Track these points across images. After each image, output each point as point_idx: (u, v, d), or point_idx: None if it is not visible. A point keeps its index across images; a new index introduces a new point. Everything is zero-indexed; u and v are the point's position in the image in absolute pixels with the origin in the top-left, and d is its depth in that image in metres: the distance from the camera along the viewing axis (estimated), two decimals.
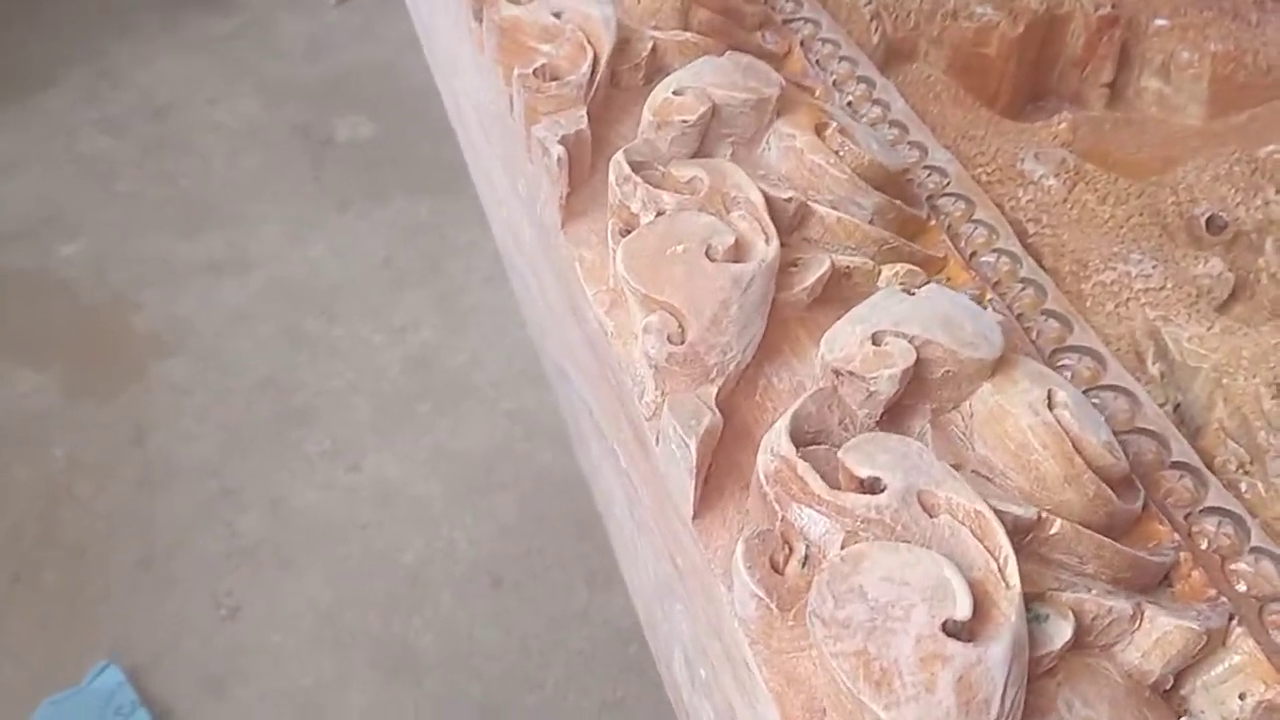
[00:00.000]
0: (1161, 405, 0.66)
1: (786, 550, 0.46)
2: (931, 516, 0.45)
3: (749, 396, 0.55)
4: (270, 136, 2.10)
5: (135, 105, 2.17)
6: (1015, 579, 0.44)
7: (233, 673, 1.36)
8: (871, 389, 0.51)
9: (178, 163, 2.07)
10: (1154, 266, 0.70)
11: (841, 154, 0.65)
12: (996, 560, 0.44)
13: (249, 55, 2.27)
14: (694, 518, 0.50)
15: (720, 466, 0.52)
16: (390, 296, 1.79)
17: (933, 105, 0.86)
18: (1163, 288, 0.69)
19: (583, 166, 0.64)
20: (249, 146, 2.09)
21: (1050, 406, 0.53)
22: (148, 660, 1.38)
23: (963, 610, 0.41)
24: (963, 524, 0.45)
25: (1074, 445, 0.51)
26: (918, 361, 0.52)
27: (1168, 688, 0.50)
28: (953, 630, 0.41)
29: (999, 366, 0.54)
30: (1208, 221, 0.75)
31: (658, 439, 0.54)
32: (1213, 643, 0.52)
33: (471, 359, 1.63)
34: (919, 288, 0.56)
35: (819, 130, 0.65)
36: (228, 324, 1.78)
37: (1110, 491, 0.51)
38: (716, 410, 0.51)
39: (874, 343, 0.51)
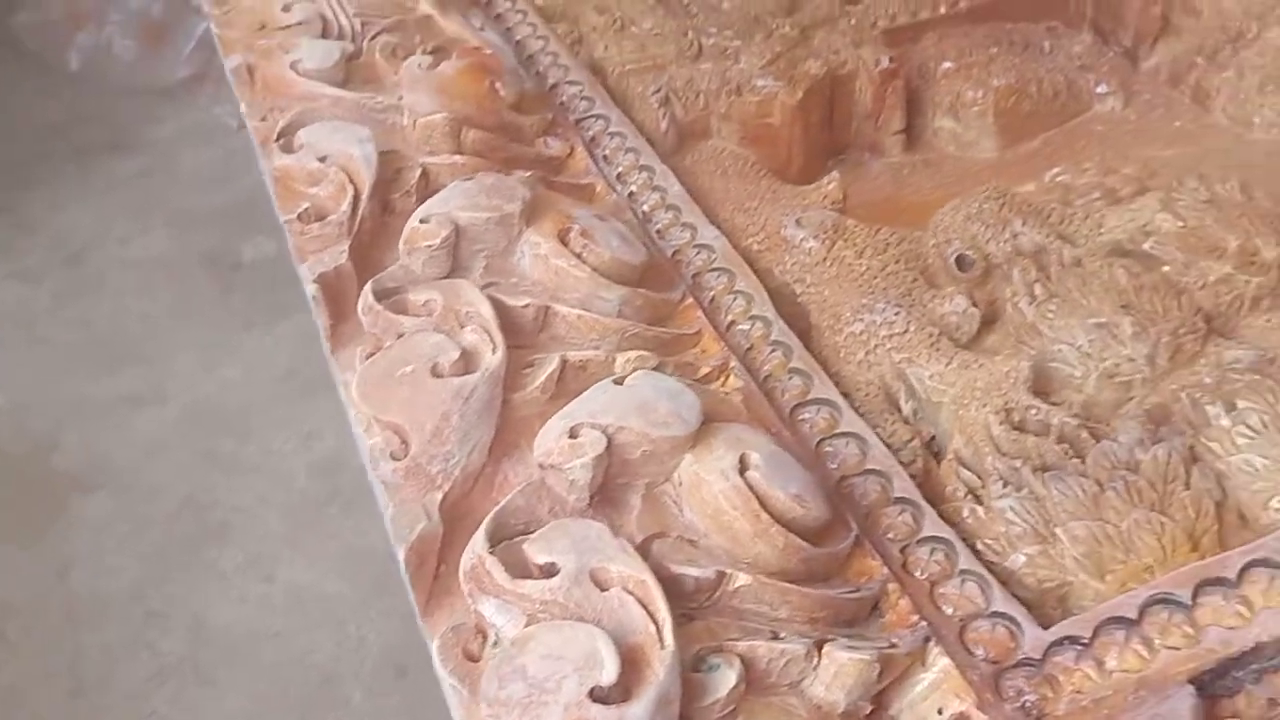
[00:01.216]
0: (910, 441, 0.71)
1: (480, 639, 0.52)
2: (603, 590, 0.51)
3: (486, 495, 0.61)
4: (180, 267, 2.20)
5: (49, 253, 2.28)
6: (669, 639, 0.49)
7: None
8: (570, 478, 0.57)
9: (92, 305, 2.17)
10: (897, 313, 0.76)
11: (583, 255, 0.71)
12: (657, 623, 0.50)
13: (157, 190, 2.39)
14: (422, 615, 0.56)
15: (454, 565, 0.58)
16: (295, 407, 1.88)
17: (719, 181, 0.92)
18: (905, 331, 0.75)
19: (349, 297, 0.70)
20: (160, 280, 2.19)
21: (744, 469, 0.58)
22: None
23: (608, 676, 0.47)
24: (631, 594, 0.51)
25: (761, 503, 0.57)
26: (615, 446, 0.58)
27: (867, 713, 0.55)
28: (600, 696, 0.47)
29: (700, 438, 0.60)
30: (958, 260, 0.81)
31: None
32: (914, 664, 0.57)
33: None
34: (630, 376, 0.62)
35: (562, 236, 0.72)
36: (145, 455, 1.86)
37: (799, 540, 0.57)
38: (436, 516, 0.57)
39: (570, 435, 0.57)
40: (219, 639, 1.60)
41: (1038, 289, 0.78)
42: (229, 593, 1.66)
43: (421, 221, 0.70)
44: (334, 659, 1.55)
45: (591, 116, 0.95)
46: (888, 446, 0.68)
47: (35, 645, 1.62)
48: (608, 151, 0.91)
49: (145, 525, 1.77)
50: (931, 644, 0.57)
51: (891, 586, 0.60)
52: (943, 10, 1.11)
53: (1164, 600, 0.57)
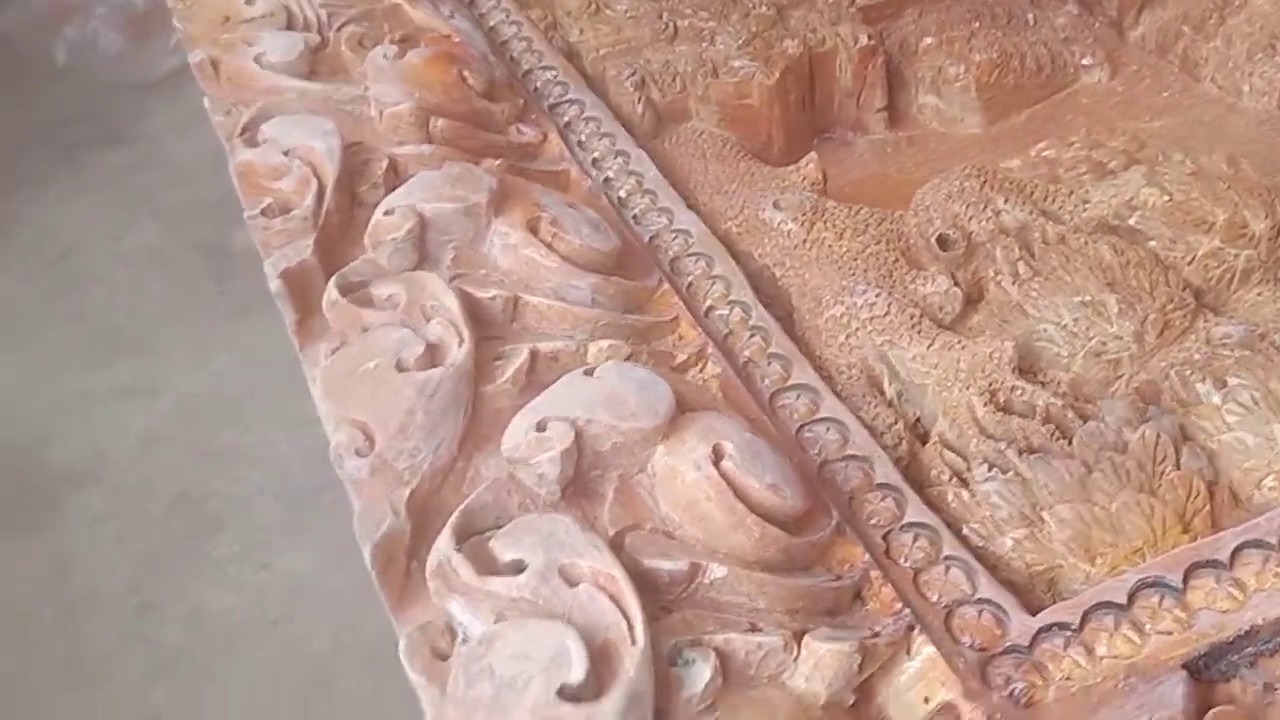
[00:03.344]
0: (894, 425, 0.70)
1: (449, 637, 0.51)
2: (572, 586, 0.50)
3: (457, 490, 0.59)
4: (173, 259, 2.18)
5: (40, 249, 2.26)
6: (641, 635, 0.48)
7: None
8: (539, 472, 0.55)
9: (84, 299, 2.15)
10: (878, 294, 0.74)
11: (553, 244, 0.70)
12: (628, 619, 0.49)
13: (147, 183, 2.36)
14: (393, 613, 0.55)
15: (424, 562, 0.56)
16: (290, 397, 1.85)
17: (697, 164, 0.91)
18: (886, 313, 0.73)
19: (316, 291, 0.69)
20: (153, 273, 2.17)
21: (718, 459, 0.57)
22: None
23: (577, 674, 0.46)
24: (602, 589, 0.50)
25: (736, 493, 0.55)
26: (584, 439, 0.56)
27: (851, 703, 0.54)
28: (569, 694, 0.45)
29: (672, 429, 0.58)
30: (939, 240, 0.79)
31: None
32: (898, 653, 0.56)
33: None
34: (599, 367, 0.60)
35: (531, 225, 0.70)
36: (140, 448, 1.85)
37: (776, 530, 0.55)
38: (403, 513, 0.55)
39: (538, 429, 0.56)
40: (216, 630, 1.59)
41: (1021, 267, 0.77)
42: (225, 583, 1.65)
43: (386, 214, 0.69)
44: (332, 648, 1.54)
45: (566, 102, 0.93)
46: (870, 431, 0.67)
47: (32, 640, 1.61)
48: (583, 137, 0.90)
49: (141, 518, 1.75)
50: (916, 632, 0.56)
51: (874, 574, 0.58)
52: None
53: (1155, 584, 0.56)
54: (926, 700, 0.55)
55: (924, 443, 0.70)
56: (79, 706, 1.52)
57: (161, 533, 1.73)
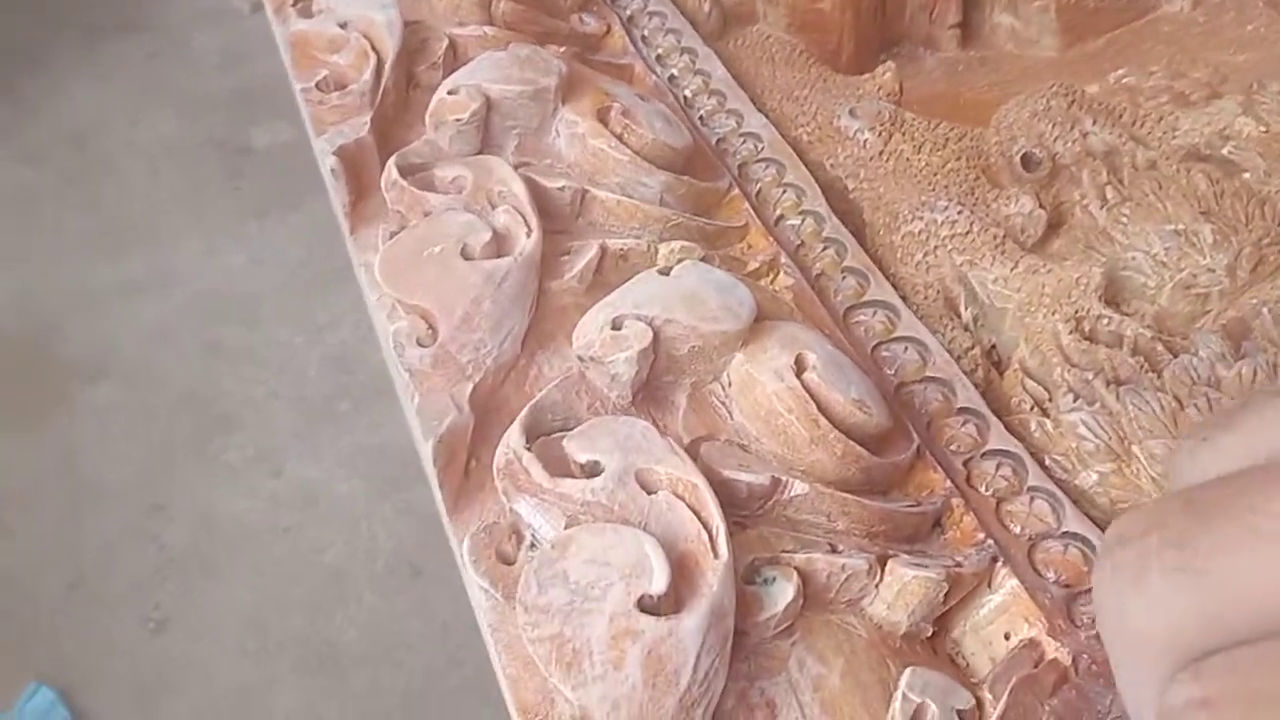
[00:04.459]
0: (970, 349, 0.66)
1: (515, 540, 0.48)
2: (650, 494, 0.47)
3: (519, 387, 0.56)
4: (189, 152, 2.13)
5: (55, 135, 2.19)
6: (724, 548, 0.45)
7: (161, 685, 1.40)
8: (613, 372, 0.52)
9: (98, 188, 2.10)
10: (959, 211, 0.70)
11: (624, 137, 0.66)
12: (709, 531, 0.45)
13: (166, 73, 2.30)
14: (450, 514, 0.52)
15: (485, 461, 0.53)
16: (308, 299, 1.82)
17: (765, 68, 0.86)
18: (968, 232, 0.70)
19: (370, 173, 0.65)
20: (169, 165, 2.12)
21: (800, 370, 0.53)
22: (79, 679, 1.42)
23: (658, 585, 0.43)
24: (680, 498, 0.47)
25: (820, 407, 0.52)
26: (661, 340, 0.53)
27: (929, 635, 0.51)
28: (648, 606, 0.42)
29: (752, 335, 0.55)
30: (1023, 159, 0.75)
31: None
32: (979, 585, 0.53)
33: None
34: (676, 266, 0.57)
35: (601, 115, 0.66)
36: (151, 342, 1.81)
37: (859, 448, 0.52)
38: (466, 408, 0.52)
39: (613, 327, 0.52)
40: (225, 533, 1.57)
41: (1109, 192, 0.72)
42: (236, 487, 1.63)
43: (450, 93, 0.64)
44: (345, 556, 1.53)
45: None
46: (948, 353, 0.63)
47: (35, 534, 1.59)
48: (646, 32, 0.85)
49: (150, 416, 1.73)
50: (999, 565, 0.53)
51: (955, 502, 0.55)
52: None
53: None
54: (1007, 636, 0.52)
55: (1000, 370, 0.66)
56: (81, 603, 1.51)
57: (170, 431, 1.70)
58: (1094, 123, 0.77)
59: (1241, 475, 0.25)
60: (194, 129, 2.17)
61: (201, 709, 1.38)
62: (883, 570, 0.49)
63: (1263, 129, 0.76)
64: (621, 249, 0.61)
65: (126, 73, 2.33)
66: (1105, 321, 0.65)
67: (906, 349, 0.63)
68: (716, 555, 0.45)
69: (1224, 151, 0.76)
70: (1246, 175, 0.74)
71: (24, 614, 1.49)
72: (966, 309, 0.69)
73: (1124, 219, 0.70)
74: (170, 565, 1.52)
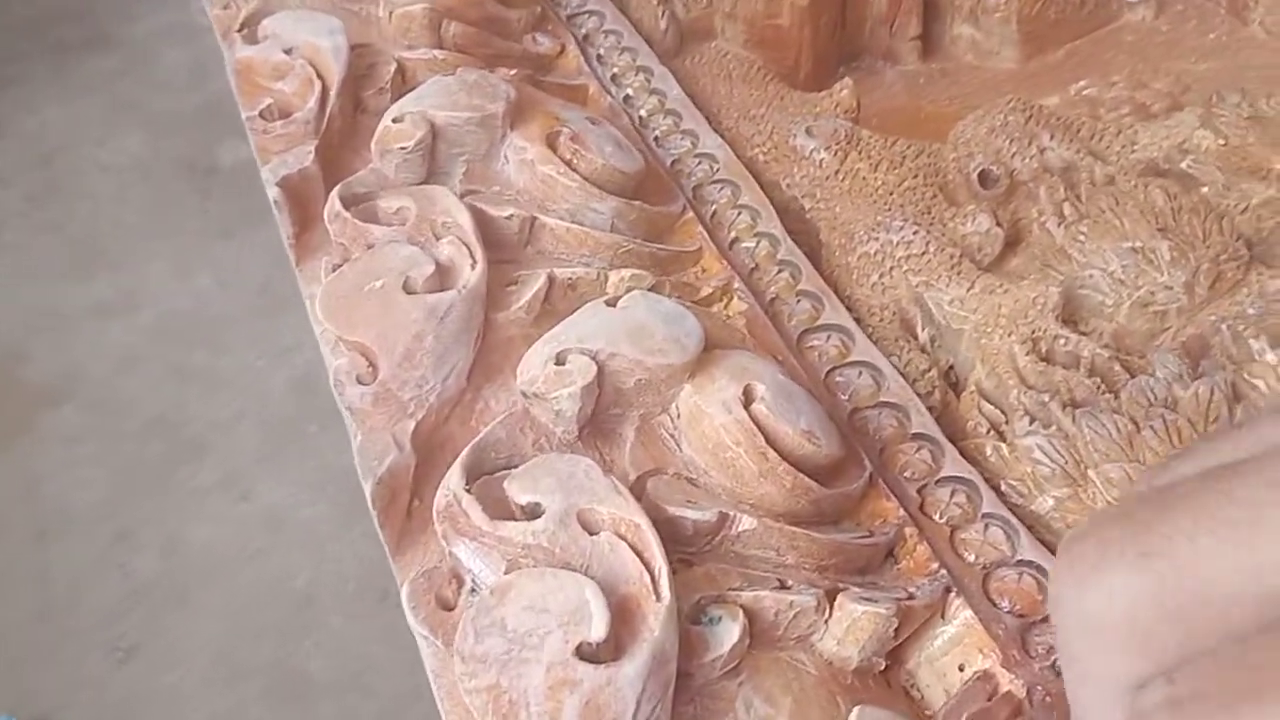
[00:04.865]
0: (927, 371, 0.66)
1: (455, 585, 0.47)
2: (592, 535, 0.46)
3: (465, 423, 0.55)
4: (157, 172, 2.10)
5: (21, 154, 2.17)
6: (667, 590, 0.44)
7: (129, 716, 1.38)
8: (556, 408, 0.51)
9: (65, 208, 2.07)
10: (915, 232, 0.70)
11: (573, 162, 0.65)
12: (652, 572, 0.45)
13: (133, 91, 2.27)
14: (393, 555, 0.51)
15: (428, 501, 0.52)
16: (272, 320, 1.80)
17: (722, 85, 0.85)
18: (924, 252, 0.69)
19: (316, 203, 0.64)
20: (136, 185, 2.09)
21: (748, 402, 0.53)
22: (46, 711, 1.40)
23: (597, 632, 0.42)
24: (623, 538, 0.46)
25: (768, 438, 0.51)
26: (606, 374, 0.52)
27: (882, 668, 0.50)
28: (587, 653, 0.42)
29: (700, 366, 0.54)
30: (981, 176, 0.74)
31: None
32: (933, 616, 0.52)
33: None
34: (623, 297, 0.56)
35: (550, 140, 0.65)
36: (117, 366, 1.79)
37: (809, 481, 0.51)
38: (407, 447, 0.51)
39: (557, 362, 0.51)
40: (193, 560, 1.55)
41: (1067, 209, 0.72)
42: (203, 512, 1.61)
43: (395, 121, 0.63)
44: (313, 581, 1.51)
45: (585, 12, 0.87)
46: (904, 377, 0.63)
47: (0, 564, 1.57)
48: (602, 51, 0.84)
49: (116, 440, 1.70)
50: (952, 595, 0.52)
51: (908, 530, 0.54)
52: None
53: None
54: (961, 668, 0.51)
55: (957, 392, 0.66)
56: (47, 633, 1.49)
57: (137, 456, 1.68)
58: (1052, 138, 0.76)
59: (1204, 472, 0.25)
60: (162, 147, 2.15)
61: None
62: (832, 606, 0.48)
63: (1221, 142, 0.75)
64: (570, 278, 0.60)
65: (94, 90, 2.30)
66: (1062, 342, 0.65)
67: (860, 374, 0.62)
68: (659, 598, 0.44)
69: (1183, 165, 0.76)
70: (1205, 189, 0.74)
71: None
72: (923, 330, 0.68)
73: (1081, 237, 0.70)
74: (137, 593, 1.51)
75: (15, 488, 1.65)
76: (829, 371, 0.62)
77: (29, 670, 1.45)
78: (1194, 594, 0.23)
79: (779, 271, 0.67)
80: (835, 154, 0.75)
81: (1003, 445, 0.60)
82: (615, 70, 0.82)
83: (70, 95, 2.32)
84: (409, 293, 0.55)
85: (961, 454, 0.59)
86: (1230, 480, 0.24)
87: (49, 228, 2.05)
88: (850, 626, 0.48)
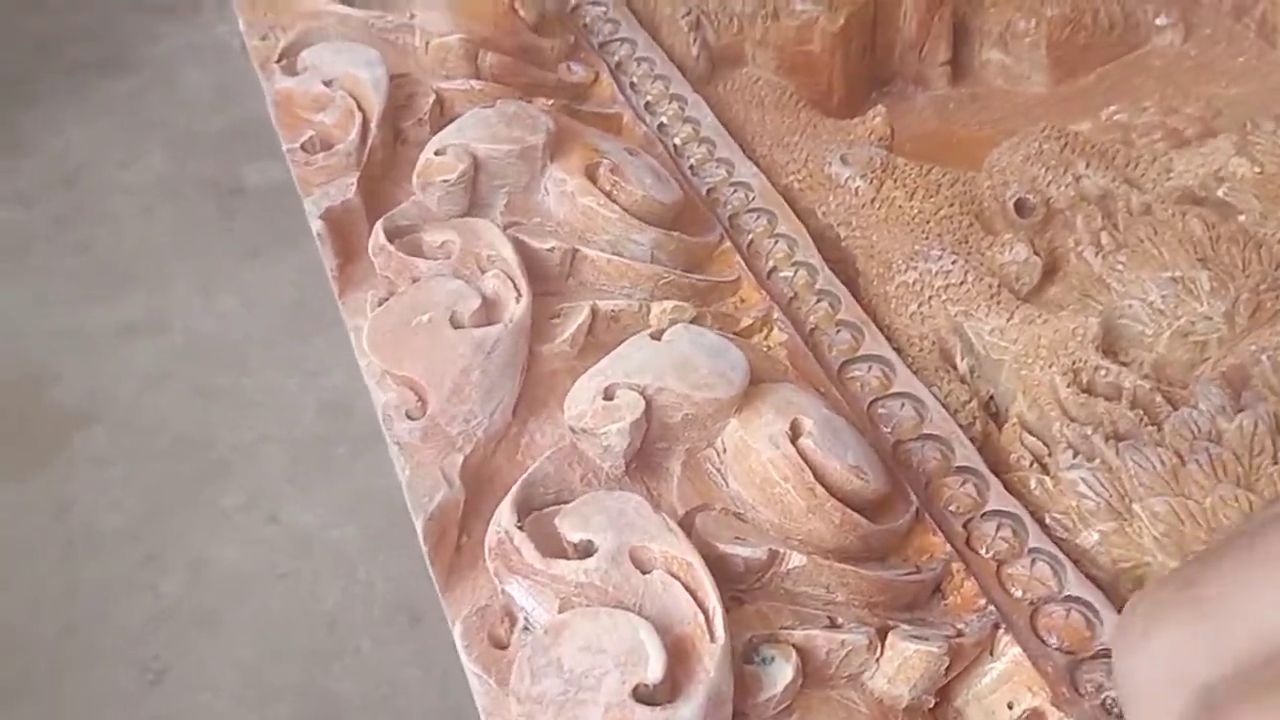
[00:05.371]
0: (968, 403, 0.66)
1: (508, 623, 0.47)
2: (645, 573, 0.46)
3: (511, 457, 0.55)
4: (182, 192, 2.11)
5: (46, 174, 2.17)
6: (721, 630, 0.44)
7: None
8: (605, 444, 0.51)
9: (90, 229, 2.08)
10: (954, 261, 0.70)
11: (613, 194, 0.65)
12: (706, 612, 0.45)
13: (157, 112, 2.28)
14: (443, 592, 0.51)
15: (477, 536, 0.52)
16: (302, 342, 1.81)
17: (755, 112, 0.86)
18: (963, 282, 0.69)
19: (359, 234, 0.64)
20: (161, 205, 2.10)
21: (795, 437, 0.53)
22: None
23: (654, 674, 0.42)
24: (676, 577, 0.46)
25: (816, 474, 0.51)
26: (654, 409, 0.52)
27: (931, 706, 0.50)
28: (644, 695, 0.42)
29: (746, 401, 0.54)
30: (1017, 205, 0.74)
31: None
32: (981, 653, 0.52)
33: None
34: (669, 328, 0.56)
35: (590, 172, 0.65)
36: (145, 387, 1.79)
37: (857, 517, 0.51)
38: (457, 482, 0.51)
39: (605, 397, 0.51)
40: (221, 581, 1.55)
41: (1104, 238, 0.72)
42: (232, 534, 1.61)
43: (437, 154, 0.64)
44: (342, 605, 1.51)
45: (617, 40, 0.88)
46: (945, 408, 0.63)
47: (29, 583, 1.57)
48: (635, 79, 0.85)
49: (145, 461, 1.71)
50: (1000, 631, 0.52)
51: (955, 566, 0.54)
52: None
53: None
54: (1010, 706, 0.51)
55: (998, 423, 0.66)
56: (76, 653, 1.49)
57: (165, 477, 1.68)
58: (1087, 165, 0.76)
59: (1247, 521, 0.25)
60: (186, 168, 2.16)
61: None
62: (883, 644, 0.48)
63: (1258, 170, 0.75)
64: (613, 310, 0.60)
65: (117, 110, 2.31)
66: (1103, 373, 0.65)
67: (903, 405, 0.62)
68: (713, 639, 0.44)
69: (1219, 193, 0.76)
70: (1242, 218, 0.74)
71: (18, 665, 1.47)
72: (963, 360, 0.68)
73: (1120, 266, 0.70)
74: (166, 614, 1.51)
75: (46, 509, 1.66)
76: (871, 403, 0.62)
77: (59, 690, 1.45)
78: (1242, 634, 0.23)
79: (818, 301, 0.67)
80: (871, 182, 0.75)
81: (1046, 478, 0.60)
82: (649, 98, 0.82)
83: (92, 115, 2.33)
84: (456, 327, 0.55)
85: (1005, 487, 0.59)
86: (1271, 529, 0.24)
87: (75, 248, 2.06)
88: (902, 665, 0.48)
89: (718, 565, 0.48)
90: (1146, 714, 0.25)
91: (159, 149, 2.22)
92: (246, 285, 1.93)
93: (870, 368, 0.64)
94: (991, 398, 0.68)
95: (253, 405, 1.77)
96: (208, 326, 1.88)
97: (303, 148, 0.66)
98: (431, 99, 0.72)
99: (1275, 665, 0.22)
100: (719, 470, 0.54)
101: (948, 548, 0.55)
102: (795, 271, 0.69)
